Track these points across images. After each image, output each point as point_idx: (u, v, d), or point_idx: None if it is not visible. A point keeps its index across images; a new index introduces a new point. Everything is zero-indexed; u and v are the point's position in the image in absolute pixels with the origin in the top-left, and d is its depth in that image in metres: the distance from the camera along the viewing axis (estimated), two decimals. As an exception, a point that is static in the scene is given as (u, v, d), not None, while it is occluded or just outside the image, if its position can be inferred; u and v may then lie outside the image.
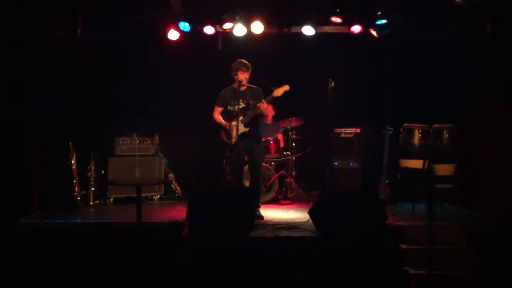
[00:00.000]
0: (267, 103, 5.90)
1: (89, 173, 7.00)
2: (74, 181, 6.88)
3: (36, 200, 6.43)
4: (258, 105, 5.85)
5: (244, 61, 6.05)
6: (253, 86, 6.09)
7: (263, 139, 6.71)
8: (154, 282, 5.15)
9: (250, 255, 5.02)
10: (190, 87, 8.08)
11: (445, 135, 6.23)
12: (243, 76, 5.99)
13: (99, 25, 7.31)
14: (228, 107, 6.10)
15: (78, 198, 6.88)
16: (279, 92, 5.85)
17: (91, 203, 6.93)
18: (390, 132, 7.01)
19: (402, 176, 6.68)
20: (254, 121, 6.05)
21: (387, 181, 6.93)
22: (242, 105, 6.03)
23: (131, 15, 7.23)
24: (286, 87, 5.86)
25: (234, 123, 6.02)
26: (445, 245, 5.10)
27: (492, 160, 5.75)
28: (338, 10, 7.48)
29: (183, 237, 5.22)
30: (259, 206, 6.13)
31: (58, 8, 6.74)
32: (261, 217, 5.99)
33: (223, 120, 6.15)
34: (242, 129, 5.96)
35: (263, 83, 6.10)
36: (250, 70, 6.03)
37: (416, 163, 6.27)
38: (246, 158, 6.19)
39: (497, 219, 5.32)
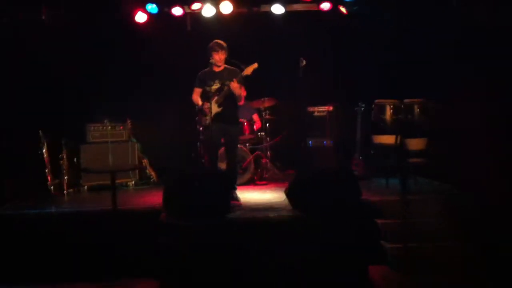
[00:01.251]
0: (238, 82, 5.87)
1: (61, 161, 6.87)
2: (46, 170, 6.76)
3: (9, 191, 6.31)
4: (230, 84, 5.82)
5: (219, 41, 5.98)
6: (231, 67, 6.04)
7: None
8: (132, 268, 5.14)
9: (228, 238, 5.05)
10: (160, 70, 7.97)
11: (416, 109, 6.30)
12: (217, 57, 5.94)
13: (66, 9, 7.16)
14: (206, 88, 6.05)
15: (52, 187, 6.78)
16: (248, 70, 5.82)
17: (65, 192, 6.82)
18: (362, 108, 7.08)
19: (375, 151, 6.77)
20: (230, 101, 5.99)
21: (360, 157, 7.01)
22: (217, 85, 5.98)
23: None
24: (255, 65, 5.83)
25: (209, 103, 5.97)
26: (419, 218, 5.19)
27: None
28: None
29: (161, 220, 5.19)
30: (236, 188, 6.14)
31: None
32: (238, 198, 5.99)
33: (200, 101, 6.10)
34: (216, 109, 5.92)
35: (232, 62, 6.06)
36: (224, 50, 5.96)
37: (389, 139, 6.34)
38: (222, 140, 6.17)
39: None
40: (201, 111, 6.08)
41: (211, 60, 5.97)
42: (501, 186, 5.07)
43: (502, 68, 5.37)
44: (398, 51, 7.21)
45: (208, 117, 5.95)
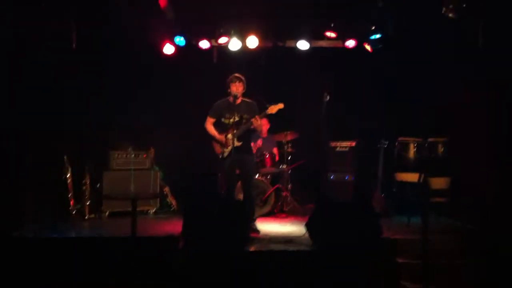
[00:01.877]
0: (261, 118, 5.91)
1: (84, 187, 6.96)
2: (69, 195, 6.85)
3: (29, 213, 6.36)
4: (252, 120, 5.85)
5: (237, 74, 6.05)
6: (248, 100, 6.08)
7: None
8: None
9: (246, 269, 4.99)
10: (185, 100, 8.07)
11: (440, 148, 6.25)
12: (235, 88, 5.97)
13: (95, 37, 7.35)
14: (222, 120, 6.08)
15: (73, 212, 6.84)
16: (273, 109, 5.84)
17: (86, 217, 6.89)
18: (385, 145, 7.04)
19: (397, 189, 6.70)
20: (247, 134, 6.05)
21: (382, 194, 6.93)
22: (236, 118, 5.97)
23: (125, 27, 7.25)
24: (281, 105, 5.84)
25: (228, 136, 6.00)
26: (441, 259, 5.08)
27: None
28: (332, 24, 7.55)
29: (179, 248, 5.17)
30: (255, 220, 6.11)
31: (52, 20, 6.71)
32: (258, 231, 5.96)
33: (216, 133, 6.13)
34: (236, 143, 5.92)
35: (257, 98, 6.10)
36: (243, 83, 6.00)
37: (412, 177, 6.28)
38: (238, 171, 6.18)
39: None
40: (221, 143, 6.10)
41: (228, 91, 6.03)
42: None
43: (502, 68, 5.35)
44: (422, 88, 7.21)
45: (227, 150, 5.98)
